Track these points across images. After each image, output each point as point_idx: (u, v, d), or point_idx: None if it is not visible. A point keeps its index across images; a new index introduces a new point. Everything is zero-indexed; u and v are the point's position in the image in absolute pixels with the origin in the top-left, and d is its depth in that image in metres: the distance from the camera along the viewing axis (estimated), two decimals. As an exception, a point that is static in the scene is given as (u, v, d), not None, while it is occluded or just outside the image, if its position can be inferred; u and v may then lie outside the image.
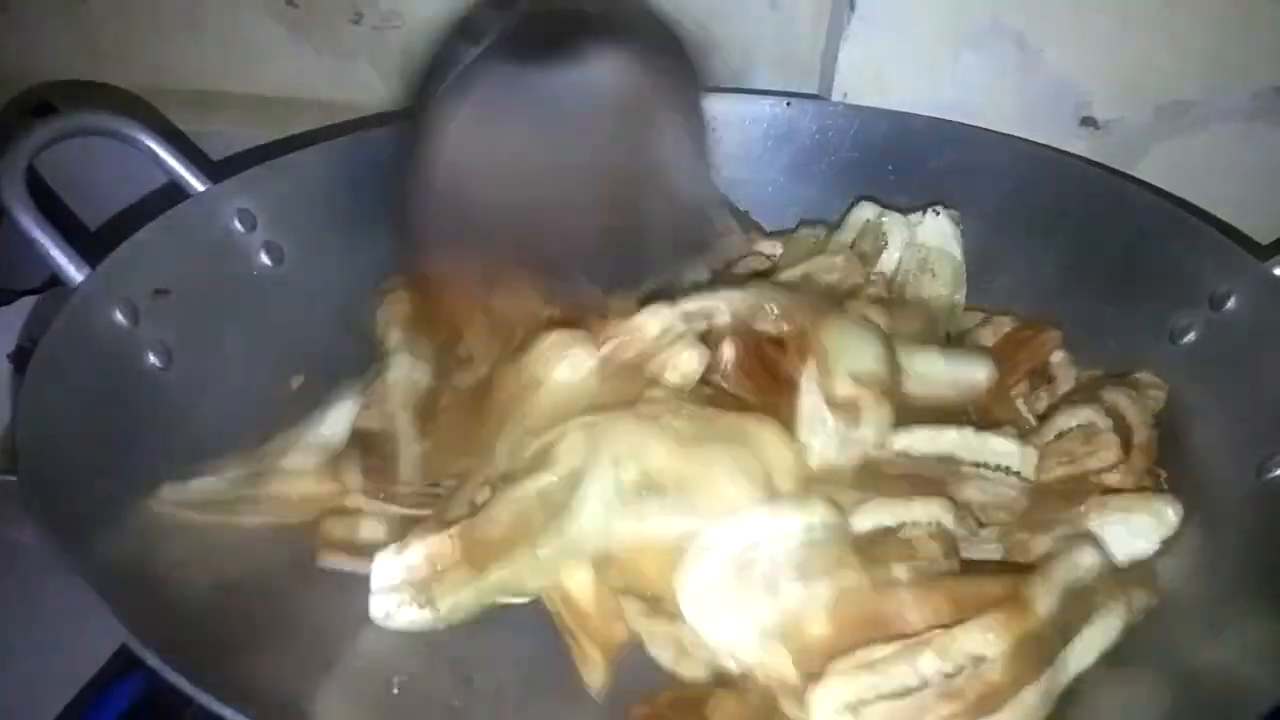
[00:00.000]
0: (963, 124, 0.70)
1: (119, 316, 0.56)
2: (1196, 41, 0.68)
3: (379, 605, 0.47)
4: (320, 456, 0.54)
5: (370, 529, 0.51)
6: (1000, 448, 0.51)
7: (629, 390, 0.50)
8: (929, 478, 0.50)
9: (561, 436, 0.48)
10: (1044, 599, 0.41)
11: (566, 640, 0.47)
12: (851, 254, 0.64)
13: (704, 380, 0.52)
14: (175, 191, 0.63)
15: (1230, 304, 0.56)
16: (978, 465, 0.51)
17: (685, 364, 0.51)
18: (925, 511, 0.47)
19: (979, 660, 0.39)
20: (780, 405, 0.50)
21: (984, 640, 0.39)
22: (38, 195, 0.55)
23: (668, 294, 0.53)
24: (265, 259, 0.65)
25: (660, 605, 0.46)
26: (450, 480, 0.52)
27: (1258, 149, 0.71)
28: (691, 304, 0.52)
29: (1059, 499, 0.51)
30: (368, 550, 0.48)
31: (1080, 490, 0.51)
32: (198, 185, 0.63)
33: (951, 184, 0.68)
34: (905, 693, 0.39)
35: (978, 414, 0.55)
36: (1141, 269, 0.61)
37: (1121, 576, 0.46)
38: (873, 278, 0.63)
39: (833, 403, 0.49)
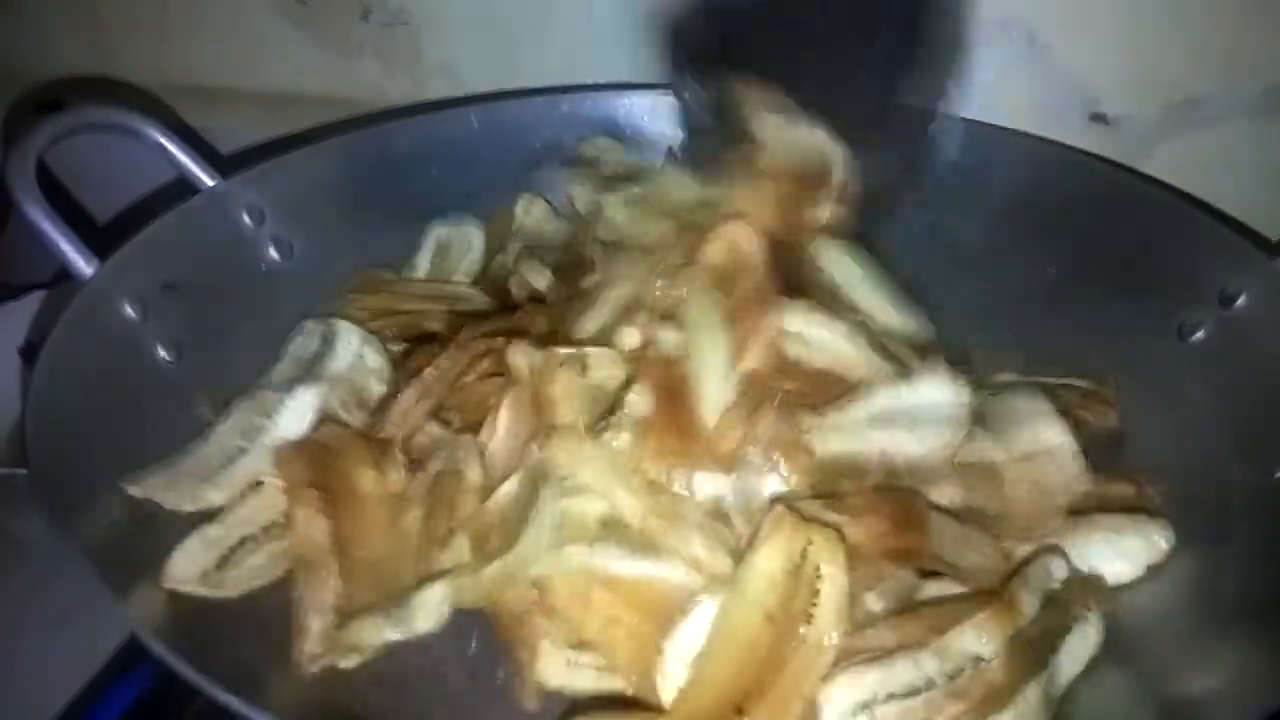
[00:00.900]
0: (971, 119, 0.70)
1: (128, 310, 0.56)
2: (1207, 38, 0.68)
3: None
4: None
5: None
6: (929, 388, 0.49)
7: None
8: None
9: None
10: (1026, 598, 0.43)
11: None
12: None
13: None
14: (184, 187, 0.63)
15: (1241, 301, 0.56)
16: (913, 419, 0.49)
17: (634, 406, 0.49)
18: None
19: (977, 660, 0.41)
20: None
21: (978, 640, 0.41)
22: (48, 190, 0.55)
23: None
24: (274, 254, 0.65)
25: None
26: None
27: (1267, 146, 0.71)
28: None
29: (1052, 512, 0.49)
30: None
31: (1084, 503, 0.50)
32: (207, 180, 0.63)
33: (959, 179, 0.68)
34: (914, 692, 0.40)
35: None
36: (1150, 266, 0.61)
37: (1086, 585, 0.46)
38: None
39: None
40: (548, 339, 0.53)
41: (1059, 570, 0.45)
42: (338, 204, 0.67)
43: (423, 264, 0.68)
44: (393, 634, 0.44)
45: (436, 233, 0.69)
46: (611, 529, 0.46)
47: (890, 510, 0.46)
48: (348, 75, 0.85)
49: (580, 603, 0.44)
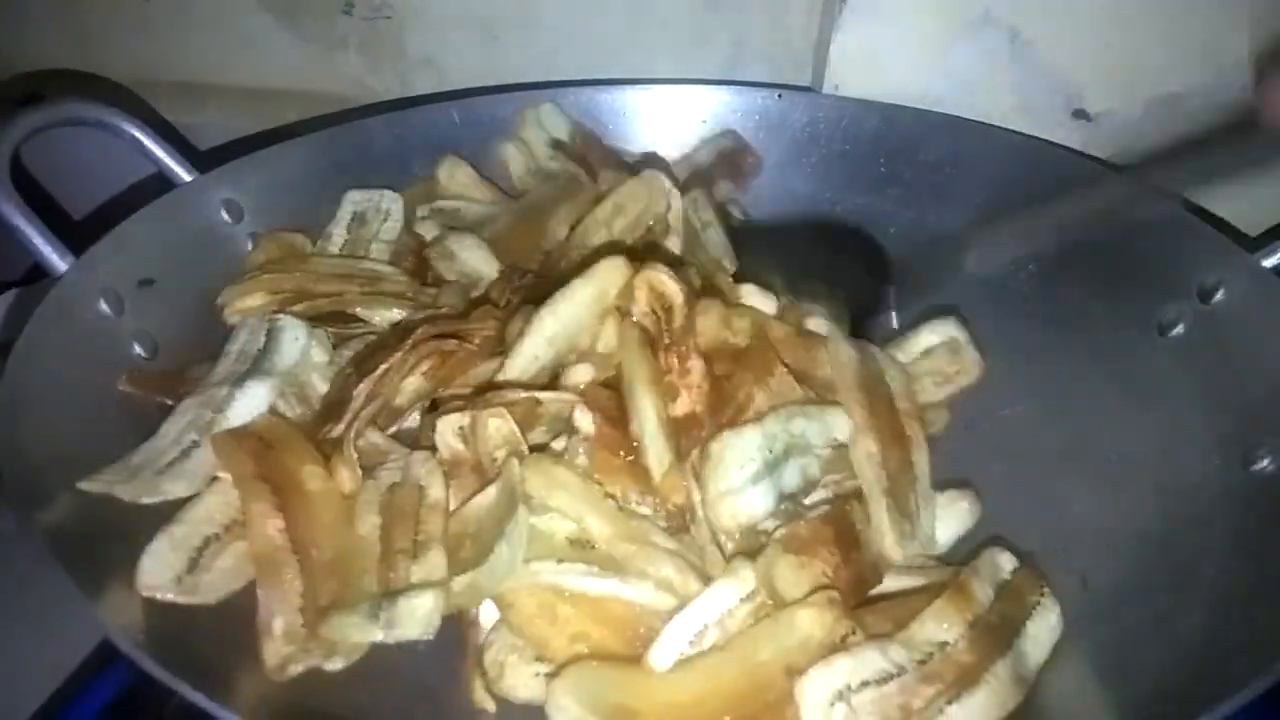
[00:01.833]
0: (953, 116, 0.70)
1: (103, 306, 0.56)
2: (1188, 35, 0.68)
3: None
4: None
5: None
6: (832, 420, 0.49)
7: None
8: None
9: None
10: (978, 585, 0.45)
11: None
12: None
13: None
14: (161, 182, 0.63)
15: (1219, 296, 0.56)
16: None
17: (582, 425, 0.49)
18: None
19: (943, 645, 0.43)
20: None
21: (939, 626, 0.43)
22: (22, 184, 0.55)
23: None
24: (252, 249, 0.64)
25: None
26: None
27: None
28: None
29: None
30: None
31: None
32: (184, 175, 0.63)
33: (942, 175, 0.68)
34: (887, 678, 0.41)
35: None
36: (1130, 261, 0.61)
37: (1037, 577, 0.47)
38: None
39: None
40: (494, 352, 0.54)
41: (1006, 563, 0.47)
42: (315, 199, 0.66)
43: (338, 234, 0.65)
44: (380, 636, 0.44)
45: (352, 200, 0.66)
46: (579, 548, 0.46)
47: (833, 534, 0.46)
48: (331, 70, 0.84)
49: (547, 618, 0.44)
